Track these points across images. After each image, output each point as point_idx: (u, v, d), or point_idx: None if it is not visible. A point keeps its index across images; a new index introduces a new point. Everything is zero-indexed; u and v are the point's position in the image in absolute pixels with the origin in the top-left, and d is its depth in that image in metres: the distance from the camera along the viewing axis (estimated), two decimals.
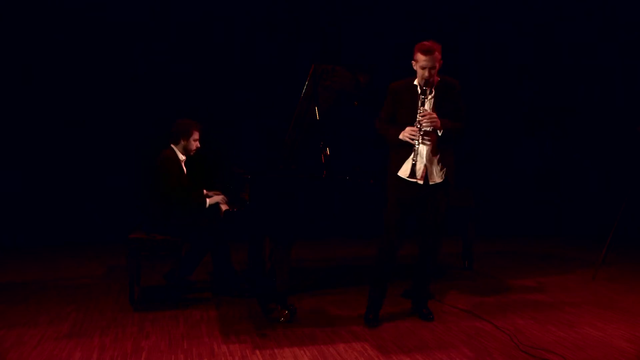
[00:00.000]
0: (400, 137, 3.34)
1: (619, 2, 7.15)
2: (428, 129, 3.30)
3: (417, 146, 3.29)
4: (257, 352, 3.05)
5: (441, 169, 3.42)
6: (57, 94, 6.27)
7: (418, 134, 3.27)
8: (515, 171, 7.72)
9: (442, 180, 3.43)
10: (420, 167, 3.36)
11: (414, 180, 3.36)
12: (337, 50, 6.68)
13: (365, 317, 3.53)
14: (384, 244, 3.47)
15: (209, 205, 4.04)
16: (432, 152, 3.39)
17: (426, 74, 3.28)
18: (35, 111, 6.25)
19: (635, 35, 7.17)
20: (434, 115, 3.27)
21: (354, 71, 4.14)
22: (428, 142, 3.33)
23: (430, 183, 3.41)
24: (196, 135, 4.16)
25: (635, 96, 7.20)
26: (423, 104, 3.29)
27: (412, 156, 3.31)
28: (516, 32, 7.51)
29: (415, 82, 3.39)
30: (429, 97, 3.37)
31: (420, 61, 3.28)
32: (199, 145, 4.20)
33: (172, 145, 4.15)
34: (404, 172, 3.40)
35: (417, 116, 3.27)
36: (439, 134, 3.33)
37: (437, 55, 3.28)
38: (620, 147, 7.36)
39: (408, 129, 3.30)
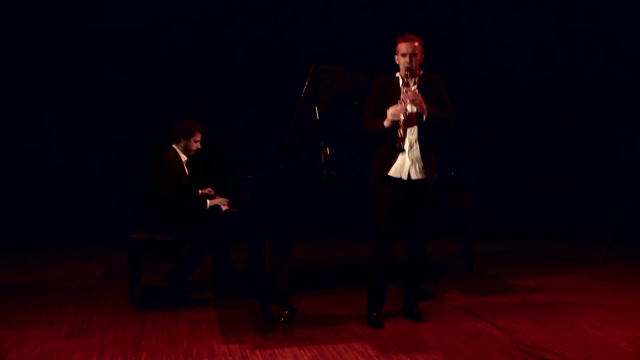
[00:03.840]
0: (386, 122, 3.28)
1: (618, 3, 7.15)
2: (412, 109, 3.27)
3: (401, 121, 3.21)
4: (257, 352, 3.05)
5: (423, 167, 3.38)
6: (56, 94, 6.27)
7: (402, 108, 3.21)
8: (515, 171, 7.72)
9: (424, 176, 3.40)
10: (407, 142, 3.33)
11: (397, 176, 3.36)
12: (337, 50, 6.69)
13: (368, 318, 3.52)
14: (377, 246, 3.47)
15: (209, 206, 4.04)
16: (414, 147, 3.36)
17: (407, 60, 3.29)
18: (35, 111, 6.25)
19: (636, 35, 7.17)
20: (418, 94, 3.25)
21: (354, 71, 4.14)
22: (405, 135, 3.29)
23: (413, 178, 3.38)
24: (197, 137, 4.16)
25: (636, 96, 7.21)
26: (408, 85, 3.28)
27: (398, 129, 3.22)
28: (517, 32, 7.51)
29: (398, 75, 3.41)
30: (413, 88, 3.34)
31: (401, 49, 3.33)
32: (199, 147, 4.20)
33: (173, 145, 4.15)
34: (392, 170, 3.39)
35: (401, 95, 3.25)
36: (424, 119, 3.29)
37: (418, 45, 3.32)
38: (620, 147, 7.36)
39: (390, 108, 3.26)
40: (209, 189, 4.37)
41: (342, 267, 5.40)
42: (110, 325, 3.46)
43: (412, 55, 3.30)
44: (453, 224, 5.00)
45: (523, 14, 7.46)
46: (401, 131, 3.24)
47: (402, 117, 3.22)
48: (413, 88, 3.34)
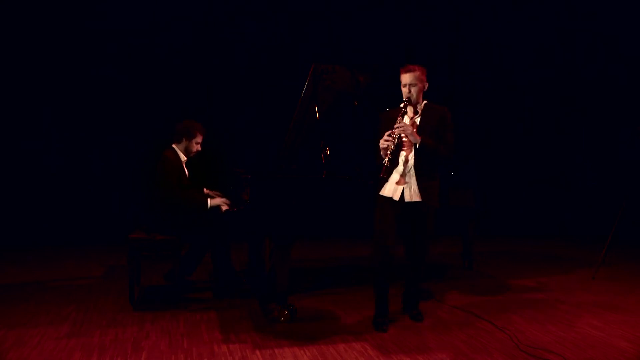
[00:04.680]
0: (381, 153, 3.37)
1: (618, 3, 7.16)
2: (403, 137, 3.36)
3: (389, 150, 3.31)
4: (257, 352, 3.05)
5: (420, 189, 3.39)
6: (56, 94, 6.27)
7: (392, 140, 3.31)
8: (515, 171, 7.72)
9: (419, 199, 3.40)
10: (391, 169, 3.40)
11: (390, 195, 3.40)
12: (337, 50, 6.69)
13: (374, 320, 3.50)
14: (376, 247, 3.46)
15: (210, 206, 4.04)
16: (411, 171, 3.39)
17: (407, 91, 3.39)
18: (35, 111, 6.25)
19: (636, 35, 7.18)
20: (409, 125, 3.35)
21: (354, 71, 4.14)
22: (404, 151, 3.40)
23: (407, 200, 3.40)
24: (199, 139, 4.17)
25: (636, 96, 7.21)
26: (403, 116, 3.36)
27: (385, 159, 3.31)
28: (517, 32, 7.51)
29: (402, 106, 3.45)
30: (415, 118, 3.44)
31: (402, 80, 3.42)
32: (199, 148, 4.21)
33: (174, 145, 4.15)
34: (386, 191, 3.45)
35: (395, 125, 3.33)
36: (417, 147, 3.35)
37: (418, 74, 3.39)
38: (620, 147, 7.37)
39: (382, 139, 3.36)
40: (217, 193, 4.35)
41: (342, 267, 5.39)
42: (110, 325, 3.46)
43: (410, 85, 3.38)
44: (453, 224, 5.00)
45: (523, 14, 7.45)
46: (387, 160, 3.31)
47: (389, 149, 3.31)
48: (415, 117, 3.43)
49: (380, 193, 3.47)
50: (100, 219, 6.37)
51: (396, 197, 3.42)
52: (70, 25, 6.17)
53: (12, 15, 6.03)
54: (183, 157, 4.16)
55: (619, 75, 7.48)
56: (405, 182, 3.40)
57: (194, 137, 4.14)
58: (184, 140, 4.14)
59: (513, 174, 7.70)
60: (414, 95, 3.40)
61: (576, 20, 7.44)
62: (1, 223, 6.09)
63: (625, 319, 3.72)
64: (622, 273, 5.13)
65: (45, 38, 6.13)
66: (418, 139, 3.33)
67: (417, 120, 3.45)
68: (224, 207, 4.00)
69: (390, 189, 3.44)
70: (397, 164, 3.43)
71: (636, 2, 6.97)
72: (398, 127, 3.30)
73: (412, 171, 3.41)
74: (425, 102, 3.50)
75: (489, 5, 7.35)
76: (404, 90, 3.42)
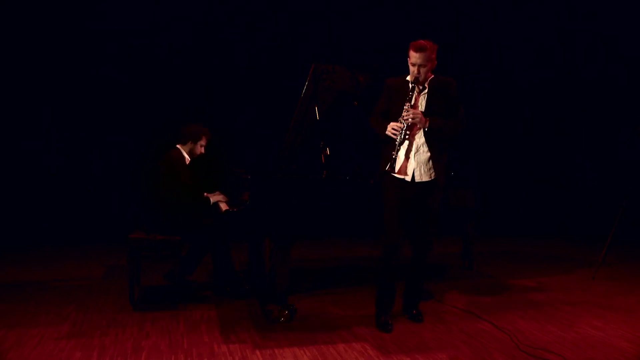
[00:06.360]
0: (386, 132, 3.33)
1: (618, 3, 7.15)
2: (411, 123, 3.30)
3: (398, 141, 3.29)
4: (257, 352, 3.05)
5: (429, 169, 3.39)
6: (56, 94, 6.27)
7: (400, 130, 3.27)
8: (515, 171, 7.72)
9: (430, 179, 3.40)
10: (400, 162, 3.38)
11: (401, 177, 3.39)
12: (337, 50, 6.69)
13: (377, 321, 3.49)
14: (387, 244, 3.45)
15: (213, 202, 4.06)
16: (420, 150, 3.38)
17: (415, 71, 3.29)
18: (35, 111, 6.25)
19: (636, 35, 7.18)
20: (417, 112, 3.28)
21: (354, 71, 4.14)
22: (412, 138, 3.35)
23: (417, 181, 3.39)
24: (204, 142, 4.22)
25: (636, 96, 7.21)
26: (410, 100, 3.29)
27: (394, 150, 3.29)
28: (517, 32, 7.51)
29: (408, 79, 3.39)
30: (422, 94, 3.38)
31: (411, 58, 3.30)
32: (203, 151, 4.25)
33: (179, 146, 4.18)
34: (390, 167, 3.39)
35: (403, 112, 3.28)
36: (425, 130, 3.33)
37: (429, 54, 3.27)
38: (620, 147, 7.36)
39: (392, 124, 3.32)
40: (218, 192, 4.36)
41: (342, 267, 5.40)
42: (110, 325, 3.46)
43: (420, 66, 3.27)
44: (453, 224, 5.00)
45: (523, 14, 7.45)
46: (394, 153, 3.28)
47: (398, 139, 3.27)
48: (422, 94, 3.36)
49: (391, 174, 3.40)
50: (100, 219, 6.37)
51: (408, 178, 3.38)
52: (70, 25, 6.16)
53: (12, 15, 6.03)
54: (187, 158, 4.18)
55: (619, 75, 7.47)
56: (416, 162, 3.37)
57: (200, 140, 4.20)
58: (189, 142, 4.18)
59: (513, 174, 7.69)
60: (422, 76, 3.30)
61: (576, 20, 7.43)
62: (1, 223, 6.08)
63: (625, 319, 3.72)
64: (622, 273, 5.13)
65: (46, 38, 6.12)
66: (426, 124, 3.30)
67: (424, 97, 3.38)
68: (224, 207, 4.00)
69: (392, 168, 3.38)
70: (407, 144, 3.37)
71: (636, 2, 6.96)
72: (406, 118, 3.24)
73: (423, 148, 3.38)
74: (431, 76, 3.39)
75: (489, 5, 7.34)
76: (413, 69, 3.29)
